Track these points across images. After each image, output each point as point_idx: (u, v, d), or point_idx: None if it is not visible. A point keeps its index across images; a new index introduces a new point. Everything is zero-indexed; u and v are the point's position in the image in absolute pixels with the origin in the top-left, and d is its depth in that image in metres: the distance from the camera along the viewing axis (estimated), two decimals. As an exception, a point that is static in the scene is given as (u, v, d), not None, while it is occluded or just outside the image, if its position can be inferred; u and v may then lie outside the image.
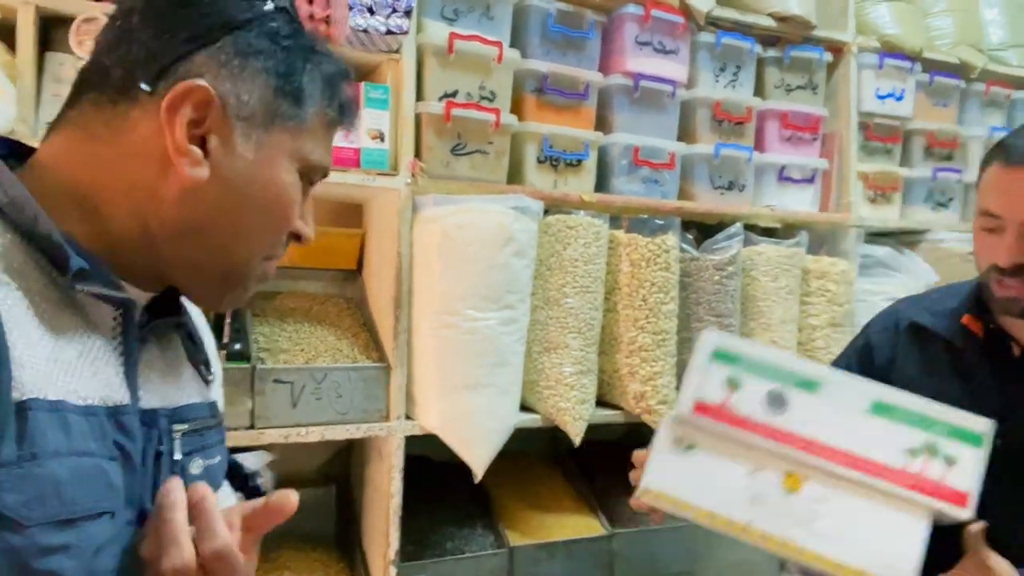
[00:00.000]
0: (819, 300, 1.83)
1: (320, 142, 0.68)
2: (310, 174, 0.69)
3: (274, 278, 0.74)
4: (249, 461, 0.87)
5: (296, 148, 0.66)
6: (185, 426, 0.68)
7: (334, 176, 1.40)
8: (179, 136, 0.60)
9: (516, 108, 1.62)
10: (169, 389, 0.69)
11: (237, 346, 1.41)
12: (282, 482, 1.46)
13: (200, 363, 0.76)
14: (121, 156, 0.61)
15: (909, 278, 1.93)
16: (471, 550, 1.60)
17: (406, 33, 1.46)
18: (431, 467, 1.69)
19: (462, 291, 1.46)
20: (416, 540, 1.58)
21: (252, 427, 1.37)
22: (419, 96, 1.52)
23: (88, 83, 0.63)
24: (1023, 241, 0.98)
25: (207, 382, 0.77)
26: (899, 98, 2.00)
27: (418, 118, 1.51)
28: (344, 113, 0.70)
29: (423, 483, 1.61)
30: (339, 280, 1.74)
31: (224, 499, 0.80)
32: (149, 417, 0.64)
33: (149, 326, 0.67)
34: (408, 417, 1.50)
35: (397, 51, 1.48)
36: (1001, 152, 1.02)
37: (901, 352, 1.20)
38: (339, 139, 1.48)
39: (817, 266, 1.84)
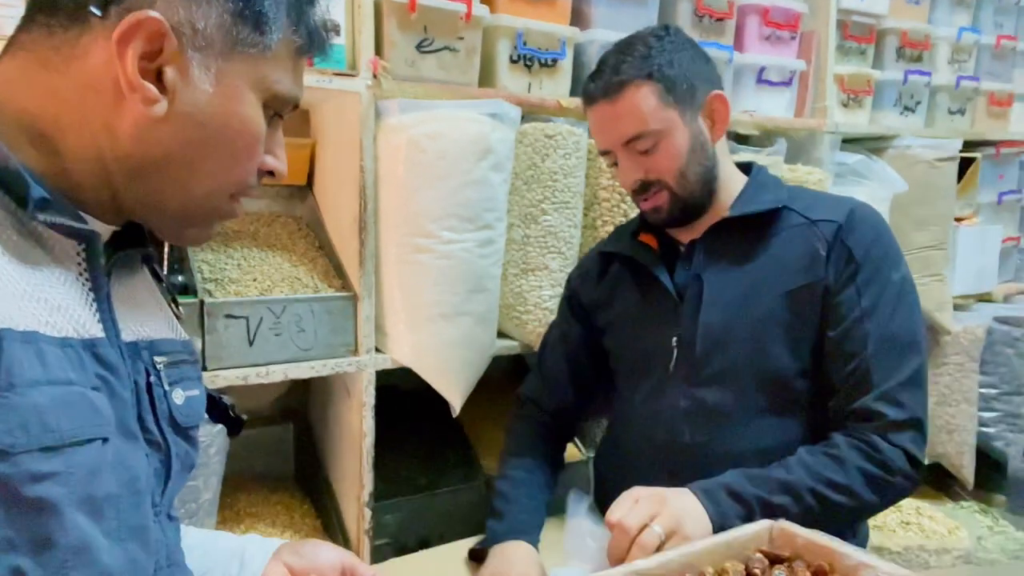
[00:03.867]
0: (797, 211, 1.76)
1: (288, 71, 0.65)
2: (278, 106, 0.66)
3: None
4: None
5: (260, 78, 0.63)
6: (165, 358, 0.69)
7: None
8: (131, 71, 0.57)
9: (486, -2, 1.43)
10: (141, 322, 0.68)
11: (179, 278, 1.22)
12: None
13: (170, 300, 0.76)
14: (74, 87, 0.58)
15: (880, 186, 1.88)
16: (446, 484, 1.52)
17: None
18: (398, 396, 1.57)
19: (435, 210, 1.30)
20: (386, 476, 1.47)
21: (204, 369, 1.20)
22: (378, -19, 1.30)
23: (38, 6, 0.59)
24: (630, 161, 1.11)
25: (179, 319, 0.76)
26: (877, -7, 1.90)
27: (378, 7, 1.30)
28: (313, 39, 0.66)
29: (390, 414, 1.50)
30: (285, 197, 1.54)
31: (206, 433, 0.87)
32: (132, 349, 0.65)
33: (114, 259, 0.65)
34: (378, 350, 1.36)
35: (350, -75, 1.25)
36: (581, 97, 1.15)
37: (596, 284, 1.30)
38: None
39: (794, 175, 1.75)
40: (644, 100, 1.07)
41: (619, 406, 1.28)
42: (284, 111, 0.67)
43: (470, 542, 1.28)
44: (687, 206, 1.13)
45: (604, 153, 1.15)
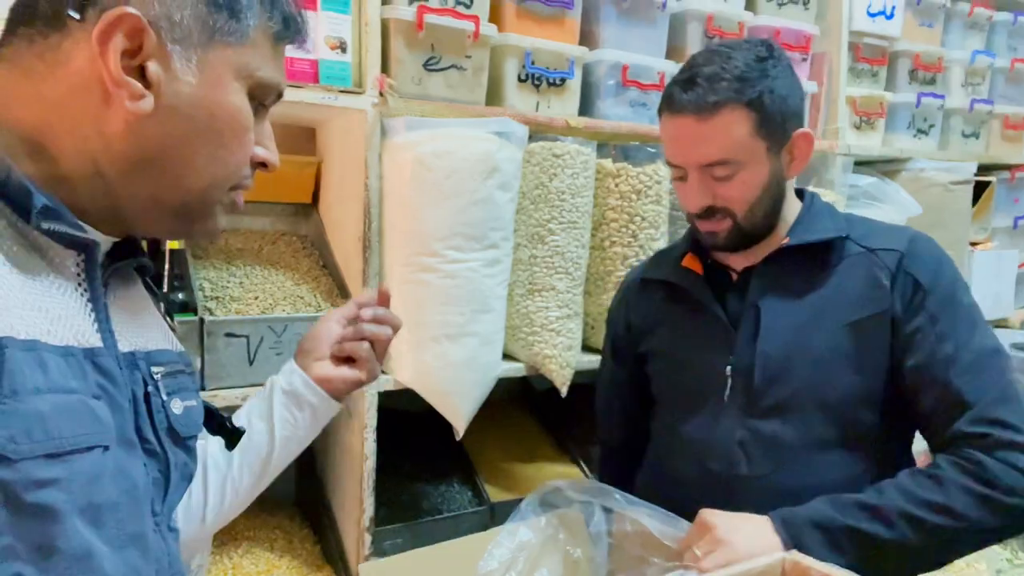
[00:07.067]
0: (809, 234, 1.73)
1: (268, 59, 0.65)
2: (261, 95, 0.66)
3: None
4: None
5: (241, 66, 0.63)
6: (162, 369, 0.69)
7: (288, 93, 1.18)
8: (114, 68, 0.57)
9: (494, 18, 1.42)
10: (137, 333, 0.69)
11: (180, 296, 1.21)
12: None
13: (164, 313, 0.77)
14: (61, 92, 0.59)
15: (894, 209, 1.85)
16: (449, 508, 1.48)
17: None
18: (399, 419, 1.54)
19: (441, 229, 1.28)
20: (388, 501, 1.44)
21: (203, 388, 1.18)
22: (385, -1, 1.29)
23: (17, 18, 0.60)
24: (702, 185, 1.05)
25: (174, 330, 0.77)
26: (889, 16, 1.89)
27: (385, 25, 1.29)
28: (288, 24, 0.66)
29: (392, 437, 1.47)
30: (290, 215, 1.53)
31: (205, 443, 0.90)
32: (129, 360, 0.65)
33: (110, 270, 0.66)
34: (381, 371, 1.33)
35: (358, -57, 1.25)
36: (664, 101, 1.06)
37: (635, 314, 1.25)
38: (293, 49, 1.26)
39: (806, 197, 1.74)
40: (736, 127, 1.00)
41: (662, 433, 1.23)
42: (268, 99, 0.67)
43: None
44: (746, 237, 1.09)
45: (670, 164, 1.09)
